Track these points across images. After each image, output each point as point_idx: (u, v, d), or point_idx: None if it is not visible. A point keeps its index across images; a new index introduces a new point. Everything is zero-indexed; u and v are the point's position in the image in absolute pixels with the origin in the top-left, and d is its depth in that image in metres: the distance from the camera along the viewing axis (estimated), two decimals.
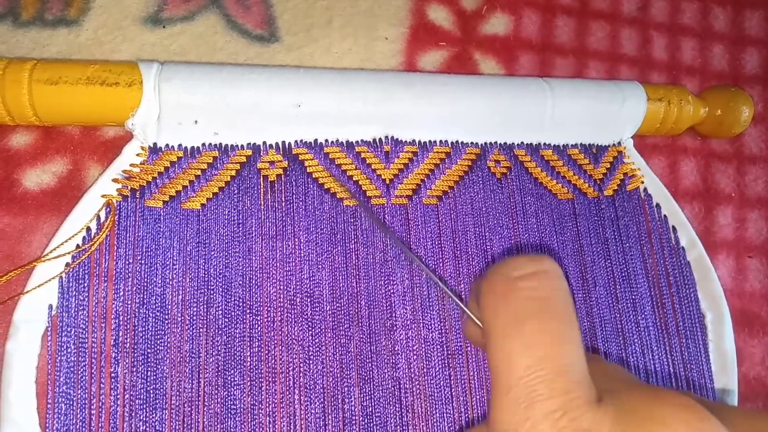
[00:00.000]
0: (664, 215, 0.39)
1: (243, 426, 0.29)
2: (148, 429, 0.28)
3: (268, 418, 0.29)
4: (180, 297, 0.30)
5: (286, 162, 0.33)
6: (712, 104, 0.41)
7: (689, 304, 0.38)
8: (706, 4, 0.47)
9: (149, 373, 0.29)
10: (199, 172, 0.32)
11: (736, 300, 0.41)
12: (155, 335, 0.29)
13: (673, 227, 0.39)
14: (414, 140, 0.35)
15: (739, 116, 0.41)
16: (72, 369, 0.28)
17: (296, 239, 0.32)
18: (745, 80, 0.47)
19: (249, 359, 0.30)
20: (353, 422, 0.30)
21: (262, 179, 0.32)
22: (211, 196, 0.31)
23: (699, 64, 0.46)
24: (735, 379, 0.37)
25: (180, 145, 0.32)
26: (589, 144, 0.39)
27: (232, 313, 0.30)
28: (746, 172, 0.44)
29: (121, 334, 0.29)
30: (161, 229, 0.30)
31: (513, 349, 0.18)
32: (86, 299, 0.29)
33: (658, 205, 0.40)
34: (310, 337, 0.31)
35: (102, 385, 0.28)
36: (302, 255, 0.32)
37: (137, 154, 0.31)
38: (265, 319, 0.31)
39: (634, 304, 0.37)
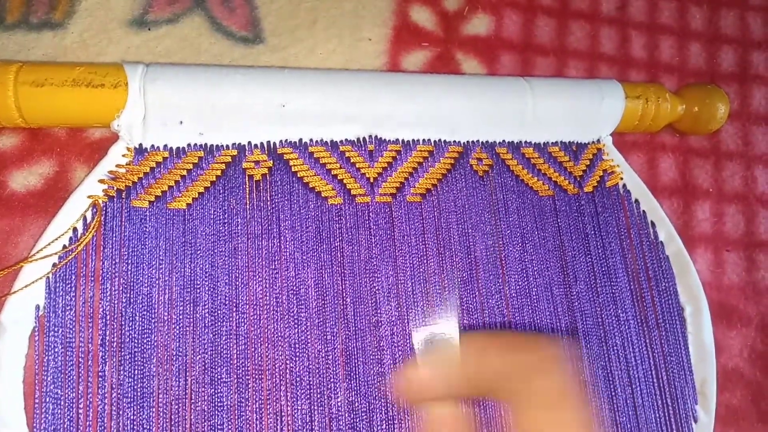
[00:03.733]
0: (643, 211, 0.40)
1: (230, 423, 0.29)
2: (135, 427, 0.28)
3: (254, 415, 0.30)
4: (166, 296, 0.30)
5: (271, 161, 0.33)
6: (689, 102, 0.42)
7: (668, 297, 0.39)
8: (684, 3, 0.48)
9: (136, 371, 0.29)
10: (184, 172, 0.32)
11: (715, 293, 0.42)
12: (142, 334, 0.29)
13: (652, 222, 0.40)
14: (397, 139, 0.36)
15: (716, 113, 0.42)
16: (59, 368, 0.28)
17: (282, 238, 0.32)
18: (721, 78, 0.48)
19: (235, 357, 0.30)
20: (339, 418, 0.31)
21: (247, 179, 0.33)
22: (196, 195, 0.32)
23: (677, 63, 0.47)
24: (714, 370, 0.38)
25: (165, 146, 0.32)
26: (569, 142, 0.40)
27: (219, 312, 0.31)
28: (723, 168, 0.45)
29: (108, 334, 0.29)
30: (147, 229, 0.31)
31: (585, 416, 0.20)
32: (73, 299, 0.29)
33: (637, 200, 0.40)
34: (296, 335, 0.31)
35: (89, 385, 0.28)
36: (288, 253, 0.32)
37: (123, 155, 0.31)
38: (251, 317, 0.31)
39: (614, 298, 0.38)
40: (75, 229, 0.30)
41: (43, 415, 0.27)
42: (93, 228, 0.30)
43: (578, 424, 0.20)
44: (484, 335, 0.24)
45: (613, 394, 0.36)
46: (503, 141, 0.38)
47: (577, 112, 0.39)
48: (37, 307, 0.29)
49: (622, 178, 0.40)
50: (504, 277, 0.36)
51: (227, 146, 0.33)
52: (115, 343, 0.29)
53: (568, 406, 0.21)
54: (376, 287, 0.33)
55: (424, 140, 0.36)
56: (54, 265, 0.29)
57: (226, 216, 0.32)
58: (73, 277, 0.29)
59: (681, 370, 0.38)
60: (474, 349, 0.23)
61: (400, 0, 0.41)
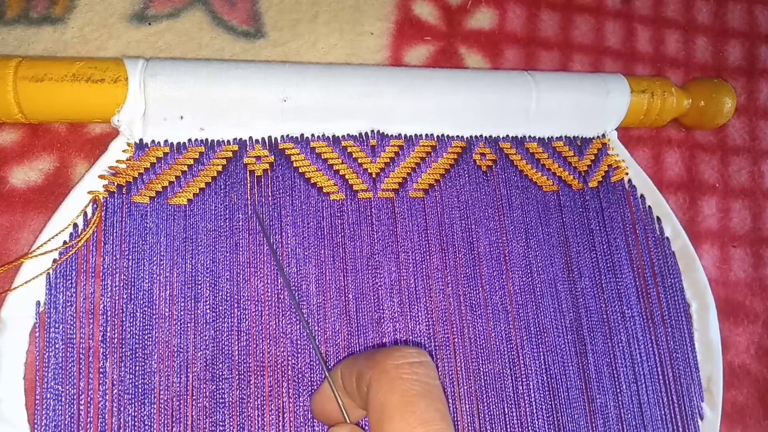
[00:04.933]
0: (649, 206, 0.40)
1: (231, 419, 0.29)
2: (136, 423, 0.28)
3: (256, 412, 0.30)
4: (167, 292, 0.30)
5: (273, 157, 0.33)
6: (695, 96, 0.42)
7: (674, 293, 0.39)
8: None
9: (137, 368, 0.29)
10: (185, 168, 0.32)
11: (721, 289, 0.42)
12: (143, 330, 0.29)
13: (658, 218, 0.40)
14: (400, 134, 0.35)
15: (722, 107, 0.41)
16: (60, 365, 0.28)
17: (283, 234, 0.32)
18: (728, 72, 0.47)
19: (237, 353, 0.30)
20: None
21: (248, 174, 0.33)
22: (197, 191, 0.32)
23: (683, 57, 0.46)
24: (720, 367, 0.38)
25: (166, 141, 0.32)
26: (574, 136, 0.39)
27: (220, 308, 0.30)
28: (730, 163, 0.45)
29: (108, 330, 0.29)
30: (148, 225, 0.31)
31: (411, 424, 0.20)
32: (74, 295, 0.29)
33: (642, 196, 0.40)
34: (298, 331, 0.31)
35: (90, 381, 0.28)
36: (289, 249, 0.32)
37: (123, 151, 0.31)
38: (253, 313, 0.31)
39: (619, 294, 0.37)
40: (75, 225, 0.30)
41: (43, 411, 0.27)
42: (93, 224, 0.30)
43: (440, 417, 0.21)
44: (346, 361, 0.25)
45: (618, 391, 0.35)
46: (507, 136, 0.38)
47: (581, 107, 0.38)
48: (38, 303, 0.28)
49: (627, 173, 0.40)
50: (508, 273, 0.35)
51: (228, 141, 0.33)
52: (116, 340, 0.29)
53: (387, 419, 0.21)
54: (379, 283, 0.33)
55: (426, 135, 0.36)
56: (54, 261, 0.29)
57: (227, 212, 0.32)
58: (74, 273, 0.29)
59: (687, 366, 0.38)
60: (338, 378, 0.25)
61: None
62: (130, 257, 0.30)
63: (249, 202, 0.32)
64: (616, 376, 0.36)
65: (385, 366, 0.22)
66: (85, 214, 0.30)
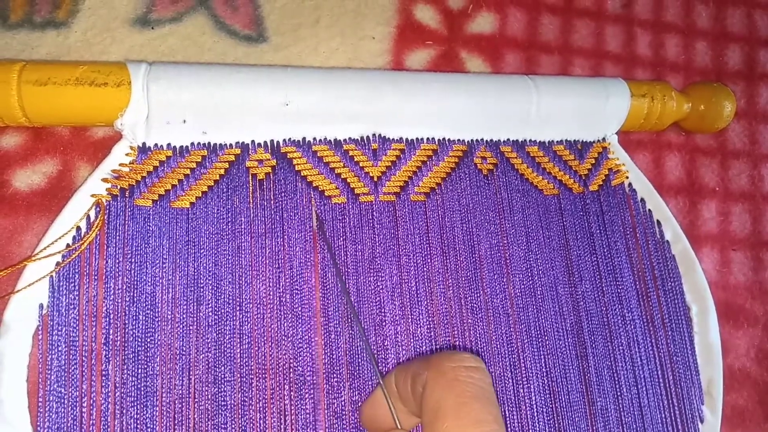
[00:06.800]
0: (649, 210, 0.40)
1: (233, 422, 0.29)
2: (139, 426, 0.28)
3: (258, 414, 0.30)
4: (170, 295, 0.30)
5: (275, 160, 0.33)
6: (695, 100, 0.42)
7: (674, 297, 0.39)
8: (690, 1, 0.48)
9: (140, 370, 0.29)
10: (188, 171, 0.32)
11: (721, 292, 0.42)
12: (145, 333, 0.29)
13: (658, 221, 0.40)
14: (401, 138, 0.36)
15: (722, 111, 0.41)
16: (63, 367, 0.28)
17: (285, 237, 0.32)
18: (728, 76, 0.47)
19: (239, 356, 0.30)
20: (343, 418, 0.31)
21: (250, 178, 0.33)
22: (200, 194, 0.32)
23: (683, 61, 0.46)
24: (720, 370, 0.38)
25: (169, 145, 0.32)
26: (574, 140, 0.39)
27: (222, 311, 0.31)
28: (730, 167, 0.45)
29: (111, 333, 0.29)
30: (151, 228, 0.31)
31: (465, 424, 0.21)
32: (77, 298, 0.29)
33: (642, 199, 0.40)
34: (300, 334, 0.31)
35: (93, 383, 0.28)
36: (291, 252, 0.32)
37: (126, 154, 0.31)
38: (255, 316, 0.31)
39: (619, 297, 0.37)
40: (78, 228, 0.30)
41: (46, 414, 0.27)
42: (96, 227, 0.30)
43: (493, 419, 0.22)
44: (400, 367, 0.26)
45: (618, 394, 0.36)
46: (508, 140, 0.38)
47: (582, 111, 0.38)
48: (41, 306, 0.29)
49: (627, 177, 0.40)
50: (509, 276, 0.35)
51: (231, 145, 0.33)
52: (118, 342, 0.29)
53: (441, 419, 0.22)
54: (380, 286, 0.33)
55: (428, 139, 0.36)
56: (57, 263, 0.29)
57: (229, 215, 0.32)
58: (77, 276, 0.29)
59: (687, 370, 0.38)
60: (392, 384, 0.26)
61: None
62: (133, 260, 0.30)
63: (315, 227, 0.32)
64: (616, 379, 0.36)
65: (442, 368, 0.23)
66: (88, 217, 0.30)
